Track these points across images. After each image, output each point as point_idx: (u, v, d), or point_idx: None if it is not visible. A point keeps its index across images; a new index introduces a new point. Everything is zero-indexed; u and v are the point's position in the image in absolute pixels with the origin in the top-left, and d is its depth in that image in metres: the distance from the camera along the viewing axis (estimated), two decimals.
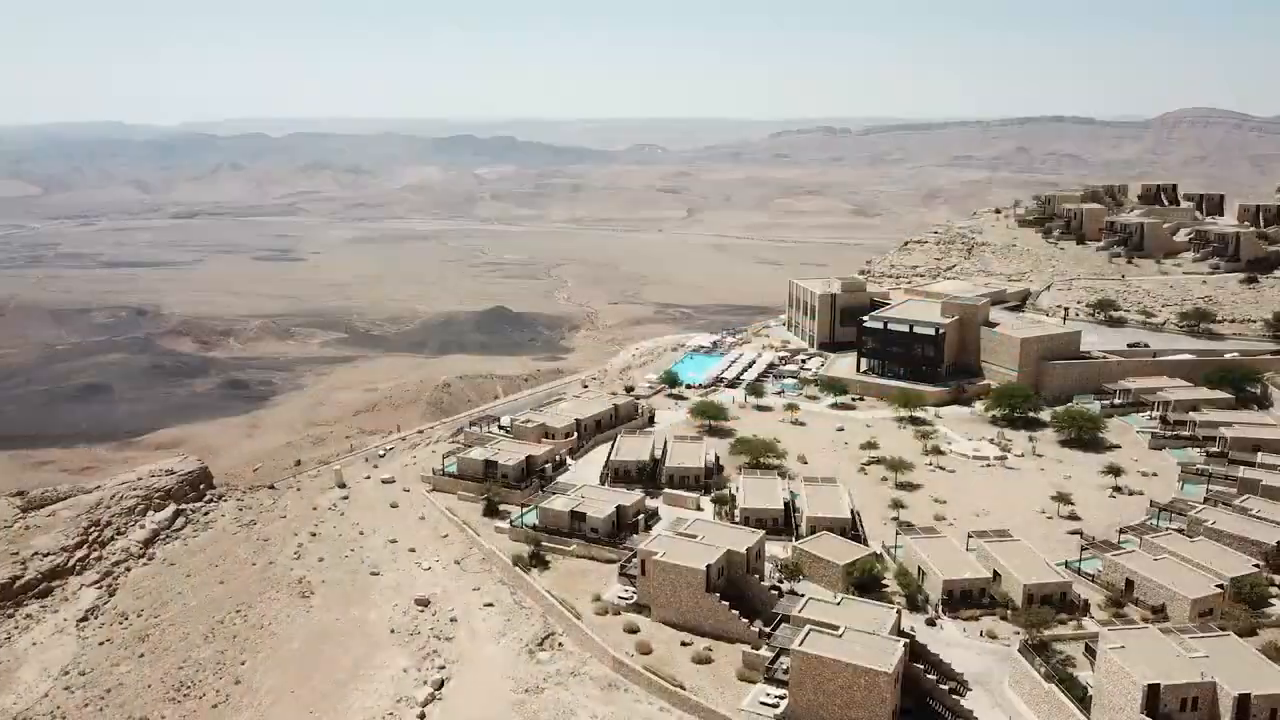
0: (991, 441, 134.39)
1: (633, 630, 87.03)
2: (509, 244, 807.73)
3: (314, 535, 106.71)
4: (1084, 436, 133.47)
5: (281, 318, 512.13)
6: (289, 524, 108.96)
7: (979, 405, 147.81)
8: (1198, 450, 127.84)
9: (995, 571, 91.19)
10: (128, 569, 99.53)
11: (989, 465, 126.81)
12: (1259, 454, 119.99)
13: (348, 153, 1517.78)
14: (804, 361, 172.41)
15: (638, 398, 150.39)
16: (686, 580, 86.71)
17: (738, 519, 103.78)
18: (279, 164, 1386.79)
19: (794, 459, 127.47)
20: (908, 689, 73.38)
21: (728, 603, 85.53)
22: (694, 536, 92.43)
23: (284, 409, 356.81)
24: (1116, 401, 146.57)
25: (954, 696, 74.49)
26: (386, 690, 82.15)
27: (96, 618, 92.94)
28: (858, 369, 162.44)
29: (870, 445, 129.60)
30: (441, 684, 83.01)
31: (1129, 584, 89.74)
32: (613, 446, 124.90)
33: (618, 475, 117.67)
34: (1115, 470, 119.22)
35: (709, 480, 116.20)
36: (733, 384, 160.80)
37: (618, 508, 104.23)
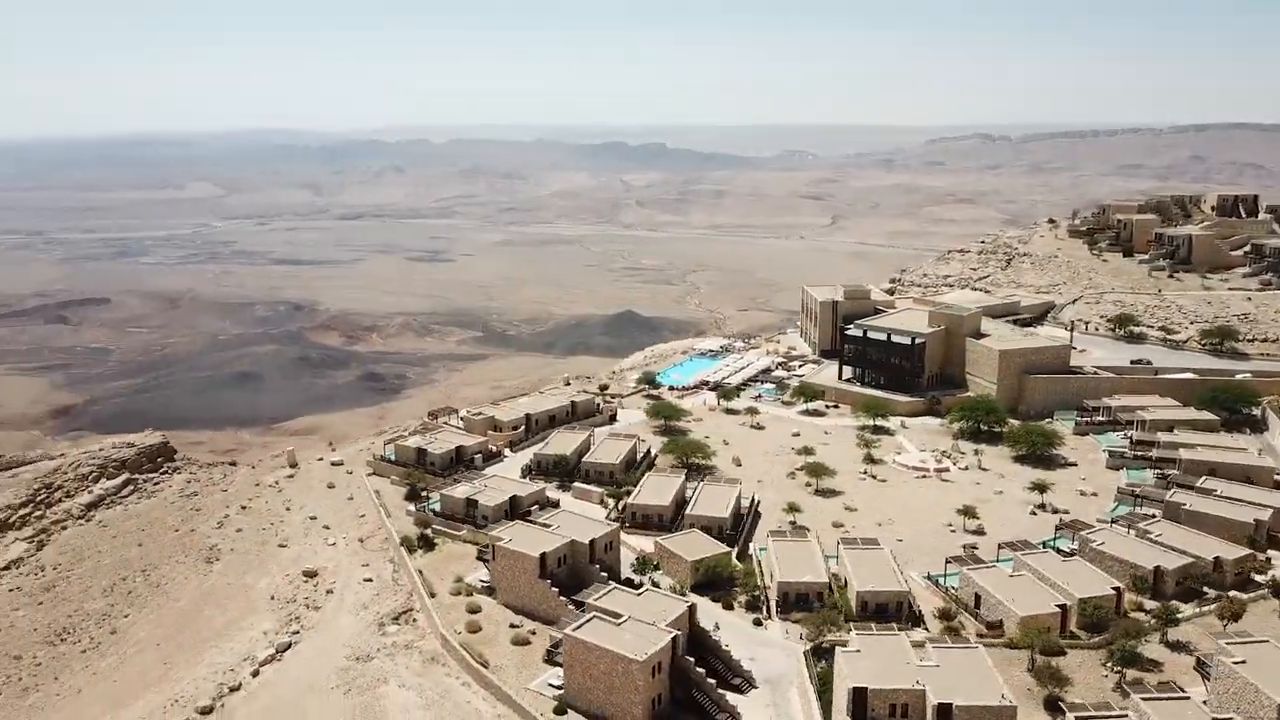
0: (944, 454, 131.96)
1: (474, 610, 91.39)
2: (649, 249, 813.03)
3: (244, 509, 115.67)
4: (1037, 452, 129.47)
5: (423, 315, 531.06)
6: (227, 497, 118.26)
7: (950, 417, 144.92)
8: (1154, 472, 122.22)
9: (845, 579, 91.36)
10: (63, 528, 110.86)
11: (925, 477, 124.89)
12: (1205, 478, 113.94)
13: (503, 159, 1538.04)
14: (798, 367, 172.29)
15: (612, 396, 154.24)
16: (524, 566, 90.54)
17: (624, 514, 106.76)
18: (439, 169, 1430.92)
19: (729, 461, 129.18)
20: (682, 681, 75.31)
21: (557, 589, 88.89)
22: (547, 526, 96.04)
23: (412, 402, 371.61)
24: (1096, 419, 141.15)
25: (733, 692, 76.02)
26: (240, 649, 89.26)
27: (18, 568, 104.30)
28: (839, 376, 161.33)
29: (807, 451, 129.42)
30: (288, 647, 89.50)
31: (977, 599, 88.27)
32: (544, 441, 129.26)
33: (539, 468, 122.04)
34: (1041, 487, 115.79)
35: (624, 476, 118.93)
36: (716, 387, 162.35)
37: (511, 497, 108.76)
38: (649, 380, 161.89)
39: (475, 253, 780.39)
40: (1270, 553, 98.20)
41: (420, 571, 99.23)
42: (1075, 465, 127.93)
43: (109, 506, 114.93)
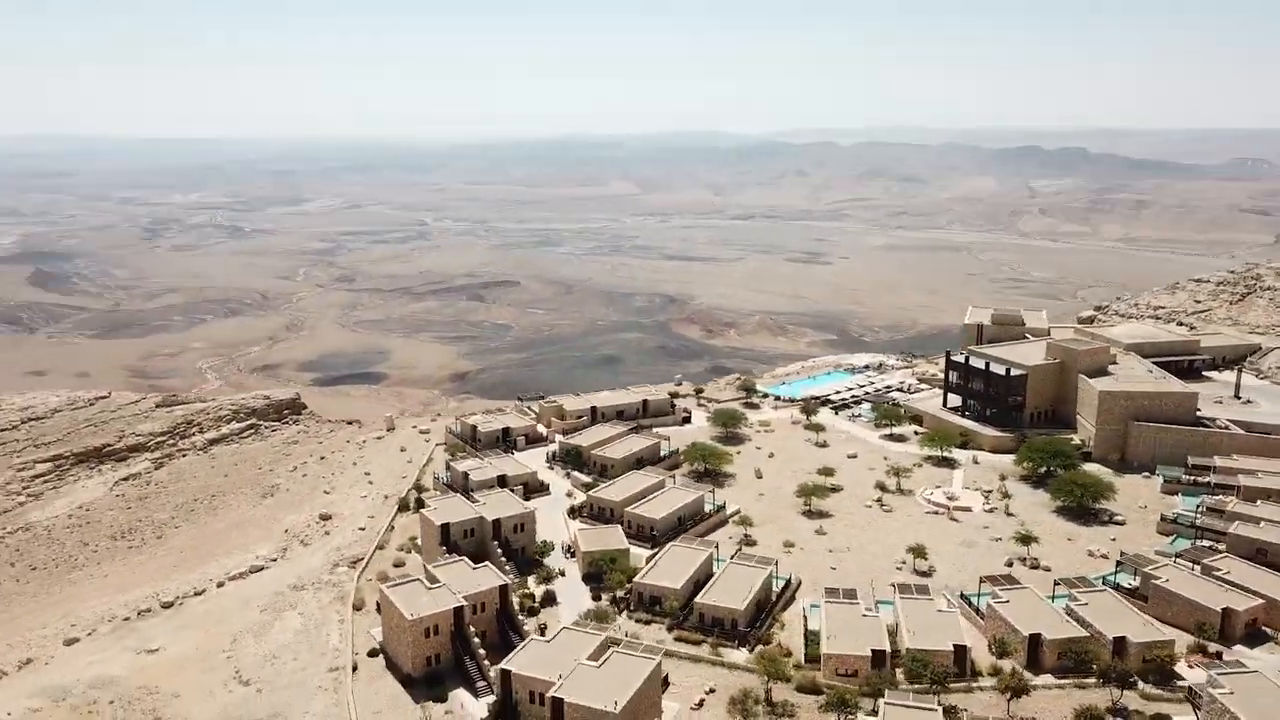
0: (987, 494, 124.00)
1: (399, 565, 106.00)
2: (1041, 260, 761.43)
3: (322, 459, 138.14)
4: (1078, 504, 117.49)
5: (783, 315, 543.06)
6: (319, 449, 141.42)
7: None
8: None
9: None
10: (183, 455, 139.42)
11: (936, 514, 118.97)
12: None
13: (907, 162, 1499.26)
14: (917, 391, 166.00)
15: (706, 400, 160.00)
16: (432, 532, 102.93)
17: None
18: (839, 171, 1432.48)
19: (751, 473, 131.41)
20: (466, 648, 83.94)
21: (455, 556, 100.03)
22: (478, 503, 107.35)
23: None
24: (1197, 479, 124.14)
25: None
26: (230, 566, 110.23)
27: (131, 481, 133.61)
28: (943, 404, 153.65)
29: (827, 472, 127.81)
30: (260, 569, 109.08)
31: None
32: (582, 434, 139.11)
33: (558, 456, 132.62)
34: (1026, 539, 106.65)
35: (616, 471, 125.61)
36: (824, 402, 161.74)
37: (499, 475, 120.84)
38: (747, 388, 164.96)
39: (854, 256, 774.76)
40: None
41: (392, 527, 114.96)
42: (1123, 524, 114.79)
43: (226, 444, 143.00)
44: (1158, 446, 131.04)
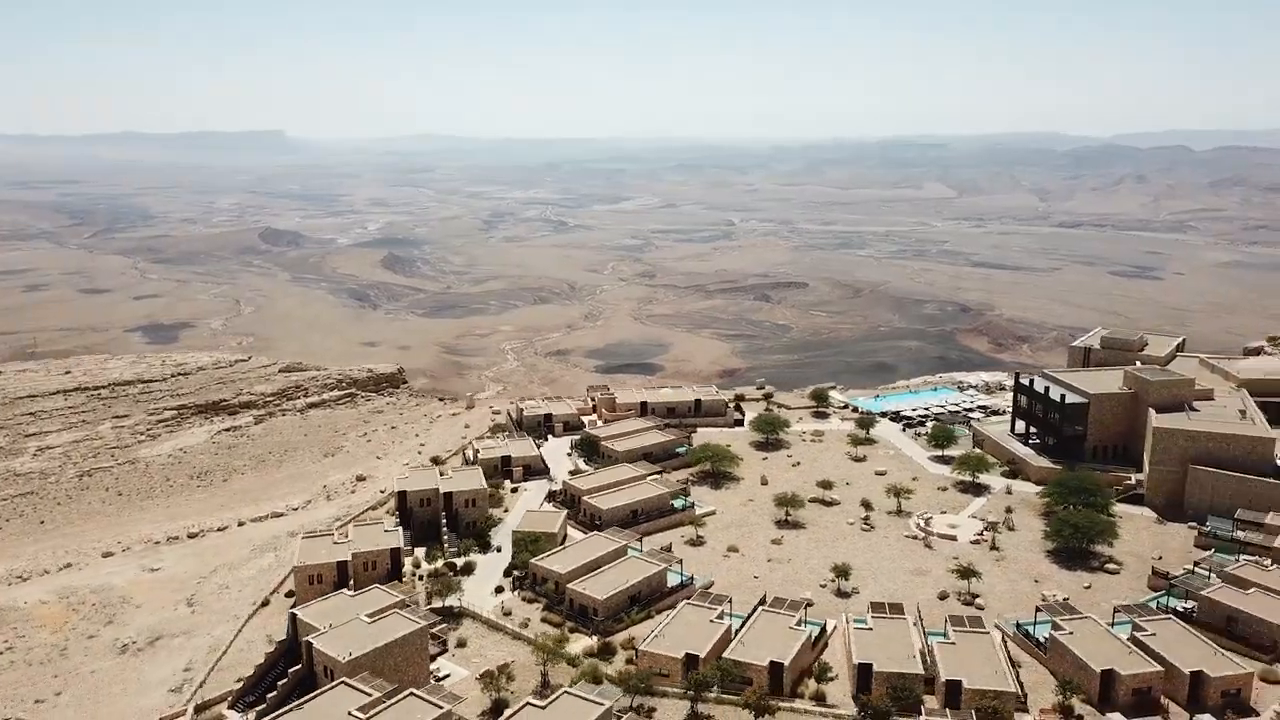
0: (989, 525, 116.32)
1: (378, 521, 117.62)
2: None
3: (393, 429, 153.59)
4: (1071, 546, 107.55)
5: (1083, 331, 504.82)
6: (397, 419, 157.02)
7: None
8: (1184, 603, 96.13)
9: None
10: (284, 413, 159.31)
11: (914, 539, 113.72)
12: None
13: (1277, 168, 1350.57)
14: (987, 414, 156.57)
15: (777, 405, 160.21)
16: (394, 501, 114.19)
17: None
18: (1189, 179, 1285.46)
19: (757, 477, 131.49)
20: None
21: (407, 527, 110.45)
22: (446, 477, 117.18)
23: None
24: (1232, 534, 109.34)
25: None
26: (263, 510, 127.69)
27: (232, 433, 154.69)
28: (1010, 429, 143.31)
29: (826, 485, 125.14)
30: (279, 515, 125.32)
31: None
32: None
33: (576, 444, 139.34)
34: (967, 573, 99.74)
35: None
36: (895, 417, 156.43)
37: (504, 455, 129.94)
38: (819, 396, 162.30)
39: (1190, 272, 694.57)
40: None
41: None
42: (1115, 573, 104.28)
43: (325, 408, 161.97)
44: (1215, 494, 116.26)
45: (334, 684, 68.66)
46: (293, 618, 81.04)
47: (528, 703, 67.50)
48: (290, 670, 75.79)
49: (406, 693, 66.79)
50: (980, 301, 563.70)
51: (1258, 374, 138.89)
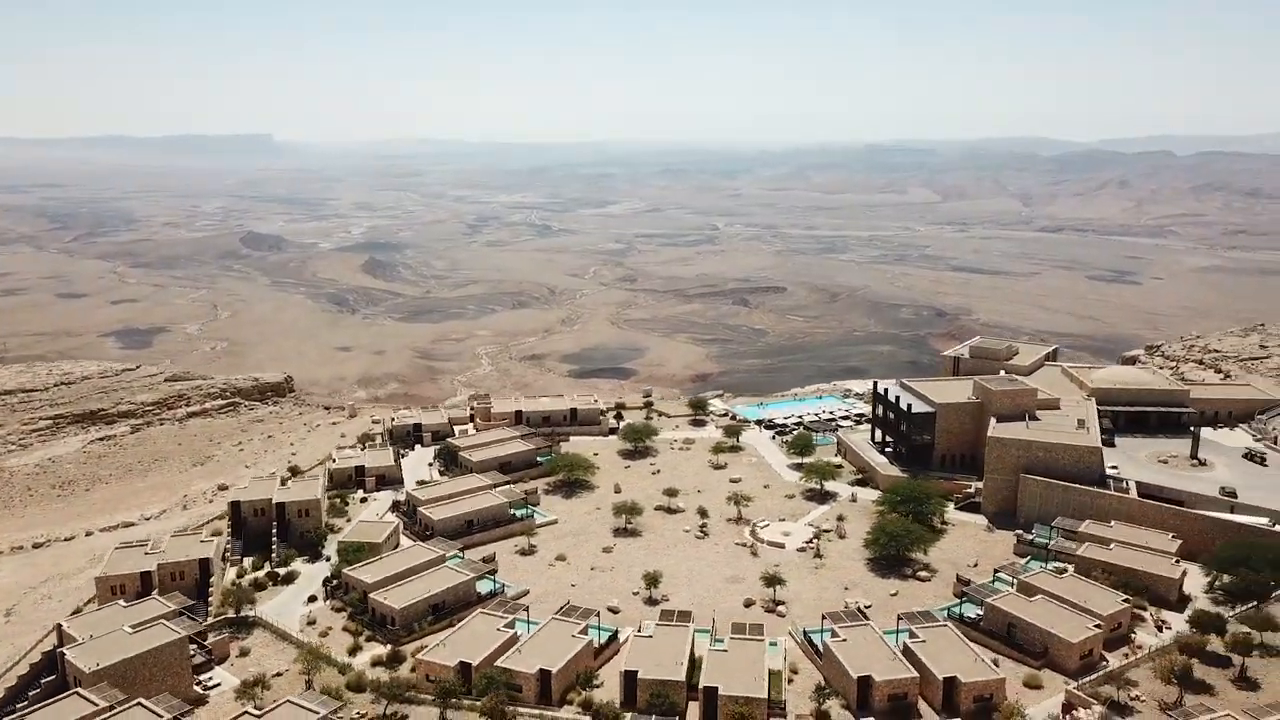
0: (820, 532, 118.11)
1: (218, 531, 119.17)
2: None
3: (269, 438, 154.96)
4: (888, 554, 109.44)
5: (1062, 336, 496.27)
6: (275, 429, 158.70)
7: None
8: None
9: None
10: (161, 423, 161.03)
11: (743, 546, 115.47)
12: None
13: (1260, 175, 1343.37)
14: (852, 422, 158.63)
15: (657, 412, 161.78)
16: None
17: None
18: (1171, 183, 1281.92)
19: (612, 485, 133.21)
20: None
21: (241, 538, 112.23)
22: (284, 488, 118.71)
23: None
24: (1048, 543, 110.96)
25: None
26: (117, 519, 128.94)
27: (105, 442, 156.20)
28: (871, 438, 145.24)
29: (671, 493, 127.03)
30: (131, 525, 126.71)
31: None
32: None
33: (437, 454, 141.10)
34: (772, 581, 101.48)
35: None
36: (769, 426, 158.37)
37: (358, 465, 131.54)
38: (697, 404, 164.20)
39: (1169, 277, 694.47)
40: None
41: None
42: (926, 580, 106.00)
43: (204, 417, 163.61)
44: (1044, 503, 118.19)
45: (66, 694, 70.17)
46: (58, 628, 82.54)
47: (245, 712, 68.99)
48: (43, 681, 77.29)
49: (134, 703, 68.31)
50: (957, 306, 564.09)
51: (1109, 383, 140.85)
